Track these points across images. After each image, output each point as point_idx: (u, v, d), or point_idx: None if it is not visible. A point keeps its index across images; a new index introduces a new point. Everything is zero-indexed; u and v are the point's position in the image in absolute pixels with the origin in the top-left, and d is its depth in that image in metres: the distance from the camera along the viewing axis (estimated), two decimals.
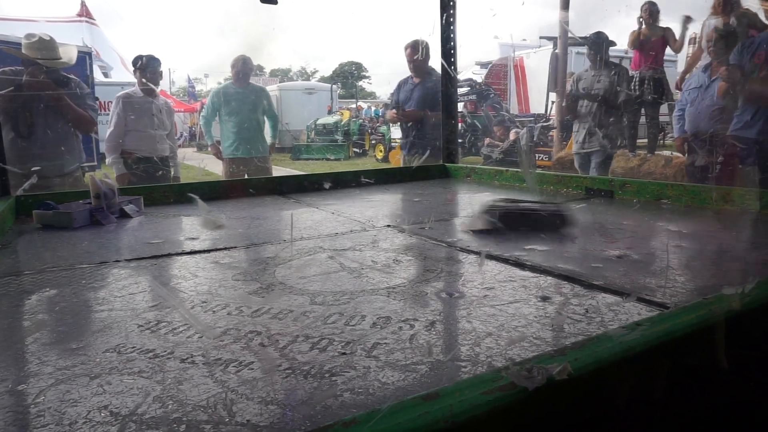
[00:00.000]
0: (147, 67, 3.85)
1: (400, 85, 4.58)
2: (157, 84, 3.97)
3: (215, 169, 4.97)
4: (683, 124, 4.02)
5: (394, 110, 4.58)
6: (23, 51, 3.14)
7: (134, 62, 3.95)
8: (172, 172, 4.13)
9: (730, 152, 3.38)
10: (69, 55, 3.36)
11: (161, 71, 3.98)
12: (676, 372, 0.64)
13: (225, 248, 1.45)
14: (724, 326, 0.66)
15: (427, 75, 4.36)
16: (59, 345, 0.83)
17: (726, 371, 0.70)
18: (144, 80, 3.88)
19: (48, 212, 1.80)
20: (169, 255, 1.38)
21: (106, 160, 3.92)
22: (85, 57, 8.45)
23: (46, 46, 3.18)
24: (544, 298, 0.99)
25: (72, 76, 3.46)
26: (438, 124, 4.09)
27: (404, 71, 4.54)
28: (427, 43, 4.33)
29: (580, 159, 4.85)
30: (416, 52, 4.26)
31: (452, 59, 3.05)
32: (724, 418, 0.74)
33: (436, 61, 4.06)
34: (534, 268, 1.18)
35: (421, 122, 4.36)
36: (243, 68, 4.30)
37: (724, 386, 0.72)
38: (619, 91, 4.44)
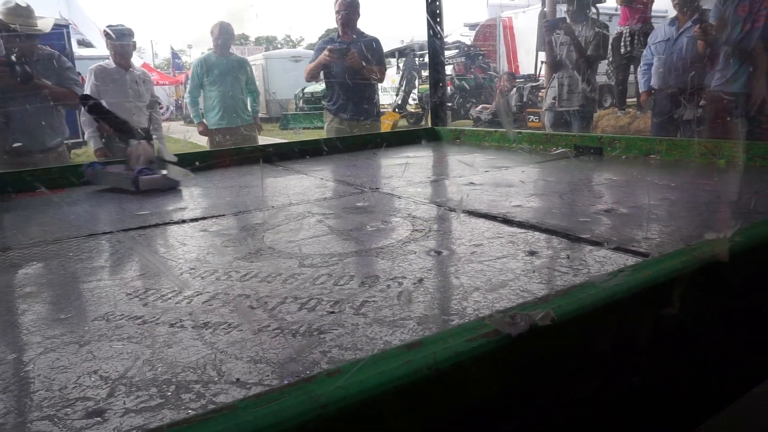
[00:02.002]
0: (119, 38, 3.72)
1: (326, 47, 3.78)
2: (130, 55, 3.82)
3: (201, 141, 4.90)
4: (648, 78, 3.94)
5: (330, 50, 3.68)
6: None
7: (106, 33, 3.82)
8: (156, 144, 4.00)
9: (717, 107, 3.36)
10: (45, 23, 3.27)
11: (134, 42, 3.84)
12: (659, 318, 0.65)
13: (213, 216, 1.44)
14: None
15: (359, 35, 3.82)
16: (48, 315, 0.83)
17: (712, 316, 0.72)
18: (116, 51, 3.75)
19: (116, 173, 1.81)
20: (157, 225, 1.37)
21: (84, 135, 3.84)
22: (63, 30, 8.21)
23: (22, 12, 3.09)
24: (532, 253, 0.99)
25: (53, 50, 3.36)
26: (369, 85, 3.89)
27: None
28: None
29: (553, 117, 4.48)
30: (345, 7, 3.72)
31: (438, 20, 2.99)
32: (707, 365, 0.76)
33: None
34: (522, 224, 1.18)
35: (355, 80, 3.73)
36: (222, 35, 4.18)
37: (707, 333, 0.74)
38: (597, 48, 4.29)
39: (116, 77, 3.74)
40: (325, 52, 3.73)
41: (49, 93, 3.17)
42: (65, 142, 3.52)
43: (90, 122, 3.71)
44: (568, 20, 4.33)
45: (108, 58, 3.88)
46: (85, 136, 3.84)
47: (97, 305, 0.85)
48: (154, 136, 4.00)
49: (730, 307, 0.75)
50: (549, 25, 4.52)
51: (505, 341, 0.49)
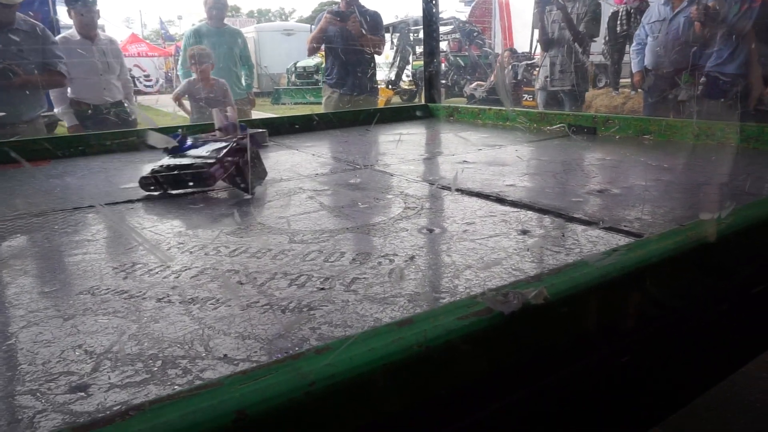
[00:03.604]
0: (80, 5, 3.50)
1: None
2: (95, 24, 3.59)
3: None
4: (642, 58, 3.90)
5: (331, 12, 3.64)
6: None
7: (67, 1, 3.55)
8: (129, 116, 3.85)
9: (712, 87, 3.34)
10: None
11: (98, 10, 3.61)
12: (651, 298, 0.64)
13: (203, 191, 1.42)
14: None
15: (359, 7, 3.73)
16: (31, 289, 0.81)
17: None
18: (79, 21, 3.53)
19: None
20: (147, 199, 1.35)
21: (55, 111, 3.68)
22: None
23: None
24: (524, 232, 0.98)
25: (36, 22, 3.20)
26: (367, 59, 3.83)
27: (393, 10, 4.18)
28: None
29: (546, 96, 4.41)
30: None
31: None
32: (697, 345, 0.76)
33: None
34: (515, 203, 1.18)
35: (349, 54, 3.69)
36: (215, 5, 4.08)
37: (698, 313, 0.74)
38: (589, 25, 4.22)
39: (81, 49, 3.54)
40: (326, 15, 3.67)
41: (38, 81, 3.10)
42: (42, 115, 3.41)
43: (62, 98, 3.56)
44: None
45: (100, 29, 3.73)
46: (57, 112, 3.68)
47: (83, 279, 0.84)
48: (127, 106, 3.85)
49: (721, 288, 0.75)
50: (542, 1, 4.45)
51: (497, 319, 0.48)
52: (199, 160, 1.33)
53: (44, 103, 3.32)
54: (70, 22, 3.68)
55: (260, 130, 2.14)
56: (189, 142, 1.42)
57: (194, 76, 3.79)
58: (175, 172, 1.32)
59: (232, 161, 1.32)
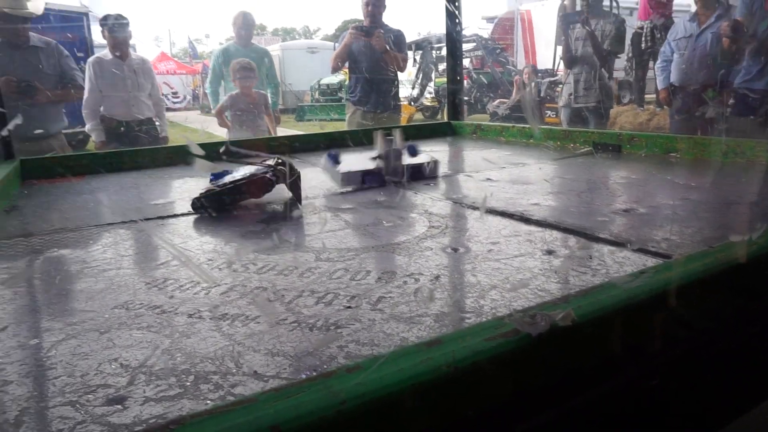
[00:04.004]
0: (113, 27, 3.66)
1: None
2: (127, 44, 3.77)
3: (218, 131, 4.91)
4: (668, 75, 3.87)
5: (355, 27, 3.68)
6: None
7: (101, 22, 3.72)
8: (159, 133, 3.98)
9: (741, 104, 3.29)
10: (36, 6, 3.27)
11: (130, 30, 3.78)
12: (680, 321, 0.64)
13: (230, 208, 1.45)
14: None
15: (384, 27, 3.79)
16: (68, 303, 0.84)
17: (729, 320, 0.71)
18: (112, 42, 3.69)
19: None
20: (175, 215, 1.38)
21: (86, 127, 3.83)
22: (83, 17, 8.28)
23: None
24: (550, 252, 0.98)
25: (49, 39, 3.34)
26: (390, 77, 3.89)
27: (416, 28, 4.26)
28: None
29: (570, 113, 4.40)
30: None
31: (457, 13, 2.97)
32: (726, 369, 0.75)
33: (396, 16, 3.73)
34: (539, 223, 1.18)
35: (379, 71, 3.77)
36: (244, 25, 4.18)
37: (728, 336, 0.73)
38: (614, 42, 4.20)
39: (114, 69, 3.70)
40: (351, 30, 3.75)
41: (55, 96, 3.25)
42: (69, 131, 3.55)
43: (92, 115, 3.71)
44: (586, 14, 4.26)
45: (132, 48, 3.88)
46: (87, 129, 3.84)
47: (117, 293, 0.87)
48: (157, 123, 3.99)
49: (752, 310, 0.74)
50: (567, 19, 4.45)
51: (524, 341, 0.49)
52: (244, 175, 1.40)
53: (64, 118, 3.46)
54: (104, 41, 3.83)
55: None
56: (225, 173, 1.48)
57: (236, 90, 3.88)
58: (231, 186, 1.37)
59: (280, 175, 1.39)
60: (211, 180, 1.44)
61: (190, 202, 1.38)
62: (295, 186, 1.39)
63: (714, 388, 0.72)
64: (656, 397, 0.64)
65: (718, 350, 0.71)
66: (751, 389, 0.79)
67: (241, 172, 1.43)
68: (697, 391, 0.70)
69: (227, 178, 1.40)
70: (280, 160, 1.42)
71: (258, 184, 1.37)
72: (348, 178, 1.64)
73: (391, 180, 1.66)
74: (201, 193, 1.38)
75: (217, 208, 1.36)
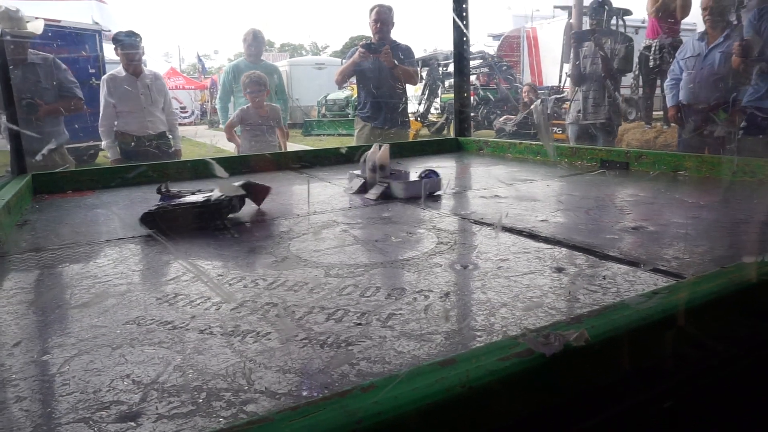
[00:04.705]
0: (126, 44, 3.73)
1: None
2: (139, 61, 3.83)
3: (227, 146, 4.95)
4: (676, 93, 3.89)
5: (363, 45, 3.73)
6: None
7: (114, 40, 3.82)
8: (173, 147, 4.03)
9: (750, 123, 3.29)
10: (36, 26, 3.37)
11: (143, 47, 3.85)
12: (694, 342, 0.64)
13: (239, 223, 1.46)
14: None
15: (391, 43, 3.82)
16: (80, 318, 0.84)
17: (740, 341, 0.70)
18: (125, 59, 3.76)
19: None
20: (184, 231, 1.39)
21: (103, 144, 3.89)
22: (95, 35, 8.42)
23: (11, 16, 3.20)
24: (559, 269, 0.98)
25: (47, 54, 3.43)
26: (398, 92, 3.93)
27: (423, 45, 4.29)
28: (390, 7, 3.81)
29: (577, 130, 4.43)
30: (381, 16, 3.77)
31: (464, 30, 3.00)
32: (741, 392, 0.74)
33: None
34: (548, 240, 1.18)
35: (392, 86, 3.80)
36: (254, 42, 4.24)
37: (743, 357, 0.72)
38: (623, 61, 4.23)
39: (127, 85, 3.77)
40: (360, 49, 3.78)
41: (55, 109, 3.34)
42: (81, 144, 3.60)
43: (108, 132, 3.77)
44: (596, 32, 4.30)
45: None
46: (103, 146, 3.91)
47: (128, 309, 0.87)
48: (170, 137, 4.04)
49: (766, 332, 0.73)
50: (577, 37, 4.49)
51: (538, 361, 0.49)
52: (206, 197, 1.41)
53: (65, 131, 3.53)
54: (117, 58, 3.89)
55: (436, 178, 1.77)
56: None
57: (248, 104, 3.92)
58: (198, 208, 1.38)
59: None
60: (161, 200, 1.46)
61: (140, 217, 1.34)
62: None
63: (728, 410, 0.71)
64: (670, 419, 0.63)
65: (732, 372, 0.70)
66: (765, 411, 0.78)
67: (197, 196, 1.45)
68: (711, 412, 0.69)
69: (189, 198, 1.42)
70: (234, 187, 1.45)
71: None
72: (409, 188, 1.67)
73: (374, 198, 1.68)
74: (158, 208, 1.36)
75: (168, 227, 1.32)
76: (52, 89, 3.36)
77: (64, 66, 3.53)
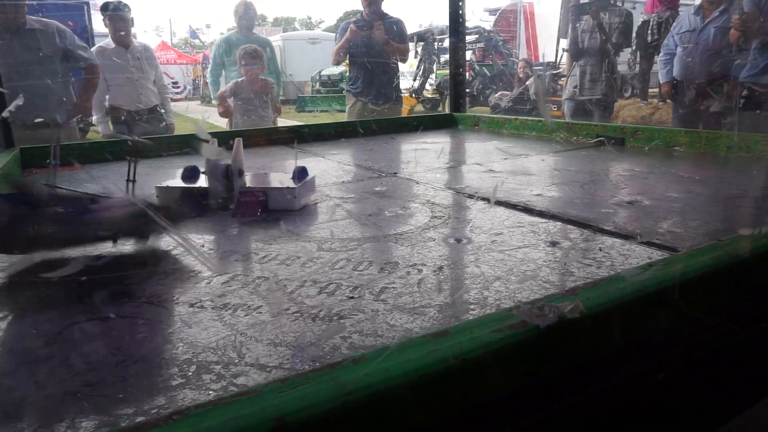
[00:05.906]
0: (114, 14, 3.61)
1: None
2: (128, 32, 3.71)
3: (219, 121, 4.89)
4: (670, 69, 3.85)
5: (356, 22, 3.69)
6: None
7: (102, 9, 3.66)
8: (165, 121, 3.95)
9: (747, 98, 3.27)
10: None
11: (131, 17, 3.72)
12: (688, 315, 0.63)
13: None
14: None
15: (383, 16, 3.79)
16: (72, 291, 0.83)
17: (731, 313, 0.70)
18: (114, 30, 3.64)
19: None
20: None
21: (93, 119, 3.78)
22: (83, 6, 8.22)
23: None
24: (554, 243, 0.98)
25: (49, 21, 3.16)
26: (391, 68, 3.87)
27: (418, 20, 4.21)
28: None
29: (573, 106, 4.38)
30: None
31: (460, 4, 2.94)
32: (733, 363, 0.74)
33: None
34: (543, 214, 1.17)
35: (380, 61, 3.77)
36: (246, 14, 4.15)
37: (736, 330, 0.72)
38: (621, 35, 4.18)
39: (117, 57, 3.66)
40: (352, 26, 3.72)
41: (86, 90, 3.22)
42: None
43: (99, 107, 3.67)
44: (595, 5, 4.24)
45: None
46: (93, 121, 3.80)
47: (120, 283, 0.86)
48: (162, 111, 3.94)
49: (762, 304, 0.73)
50: (575, 10, 4.42)
51: (532, 333, 0.48)
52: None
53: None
54: (106, 30, 3.79)
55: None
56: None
57: (241, 77, 3.84)
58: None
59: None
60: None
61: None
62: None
63: (721, 382, 0.71)
64: (663, 391, 0.63)
65: (726, 345, 0.70)
66: (758, 384, 0.79)
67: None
68: (704, 385, 0.69)
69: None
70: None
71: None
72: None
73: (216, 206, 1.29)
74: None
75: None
76: (54, 57, 3.13)
77: (69, 32, 3.26)
